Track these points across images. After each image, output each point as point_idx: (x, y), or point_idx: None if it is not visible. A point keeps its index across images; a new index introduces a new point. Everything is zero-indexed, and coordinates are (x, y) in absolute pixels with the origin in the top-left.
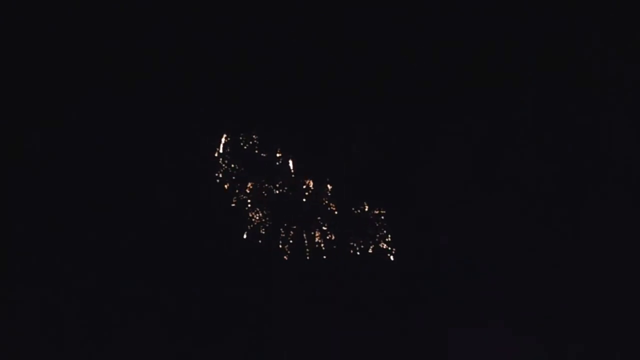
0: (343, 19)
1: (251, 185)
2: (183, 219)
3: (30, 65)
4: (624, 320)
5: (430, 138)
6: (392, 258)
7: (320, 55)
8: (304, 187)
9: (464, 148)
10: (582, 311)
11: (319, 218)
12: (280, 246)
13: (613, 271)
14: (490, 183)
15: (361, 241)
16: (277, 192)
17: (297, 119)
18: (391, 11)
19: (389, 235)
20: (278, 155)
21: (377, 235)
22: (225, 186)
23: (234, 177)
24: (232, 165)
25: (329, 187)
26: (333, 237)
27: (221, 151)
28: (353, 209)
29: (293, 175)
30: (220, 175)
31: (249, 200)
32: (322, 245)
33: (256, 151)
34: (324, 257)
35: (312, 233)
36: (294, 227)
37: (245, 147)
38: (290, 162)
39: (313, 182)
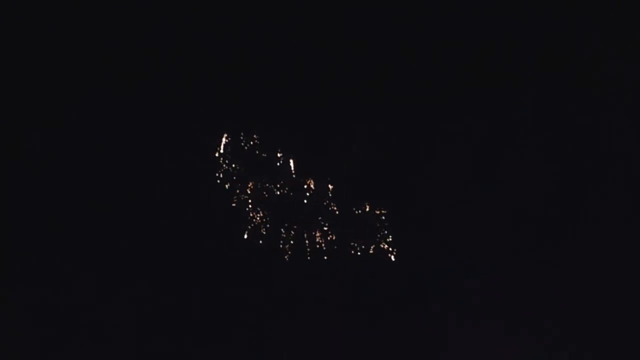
0: (343, 19)
1: (252, 185)
2: (183, 219)
3: (30, 65)
4: (624, 320)
5: (430, 138)
6: (392, 258)
7: (320, 55)
8: (305, 187)
9: (464, 148)
10: (582, 311)
11: (319, 218)
12: (281, 246)
13: (613, 271)
14: (490, 183)
15: (362, 241)
16: (278, 192)
17: (297, 119)
18: (391, 11)
19: (390, 236)
20: (279, 155)
21: (378, 236)
22: (226, 186)
23: (234, 177)
24: (233, 165)
25: (330, 187)
26: (334, 237)
27: (222, 151)
28: (354, 209)
29: (294, 176)
30: (221, 175)
31: (249, 200)
32: (322, 245)
33: (257, 151)
34: (325, 257)
35: (313, 233)
36: (295, 227)
37: (246, 147)
38: (291, 162)
39: (314, 182)
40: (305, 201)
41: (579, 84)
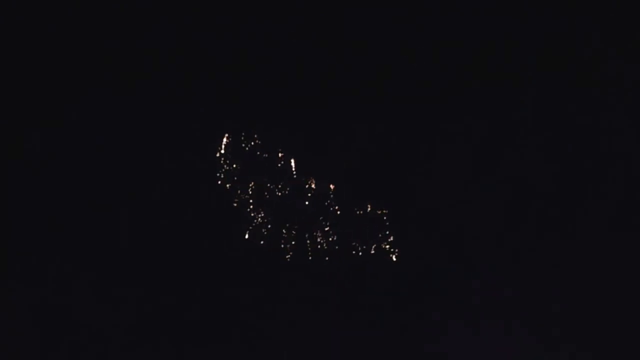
0: (343, 19)
1: (253, 185)
2: (184, 219)
3: (30, 65)
4: (624, 320)
5: (430, 138)
6: (394, 258)
7: (320, 55)
8: (306, 187)
9: (464, 148)
10: (582, 311)
11: (320, 218)
12: (282, 246)
13: (613, 271)
14: (490, 183)
15: (363, 241)
16: (279, 192)
17: (297, 119)
18: (391, 11)
19: (391, 236)
20: (280, 155)
21: (379, 236)
22: (227, 186)
23: (235, 178)
24: (234, 165)
25: (331, 187)
26: (335, 238)
27: (223, 151)
28: (355, 209)
29: (295, 176)
30: (222, 176)
31: (250, 201)
32: (324, 245)
33: (258, 151)
34: (326, 257)
35: (314, 233)
36: (296, 227)
37: (247, 148)
38: (292, 162)
39: (315, 182)
40: (306, 201)
41: (579, 84)
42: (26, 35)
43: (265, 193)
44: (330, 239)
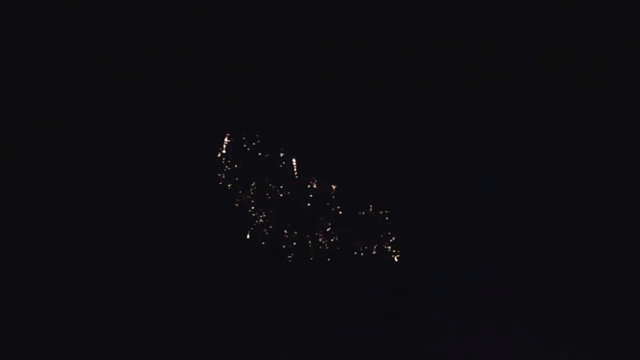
0: (343, 19)
1: (254, 185)
2: (185, 219)
3: (30, 65)
4: (624, 320)
5: (430, 138)
6: (395, 259)
7: (320, 55)
8: (308, 187)
9: (464, 148)
10: (582, 311)
11: (322, 219)
12: (284, 247)
13: (613, 271)
14: (491, 183)
15: (365, 242)
16: (281, 192)
17: (298, 119)
18: (391, 11)
19: (393, 236)
20: (281, 155)
21: (381, 236)
22: (228, 186)
23: (236, 178)
24: (235, 166)
25: (333, 187)
26: (336, 238)
27: (224, 151)
28: (356, 209)
29: (296, 176)
30: (223, 176)
31: (252, 201)
32: (325, 245)
33: (259, 152)
34: (328, 258)
35: (316, 234)
36: (297, 227)
37: (247, 148)
38: (294, 162)
39: (316, 182)
40: (307, 202)
41: (579, 84)
42: (26, 35)
43: (267, 193)
44: (332, 239)
